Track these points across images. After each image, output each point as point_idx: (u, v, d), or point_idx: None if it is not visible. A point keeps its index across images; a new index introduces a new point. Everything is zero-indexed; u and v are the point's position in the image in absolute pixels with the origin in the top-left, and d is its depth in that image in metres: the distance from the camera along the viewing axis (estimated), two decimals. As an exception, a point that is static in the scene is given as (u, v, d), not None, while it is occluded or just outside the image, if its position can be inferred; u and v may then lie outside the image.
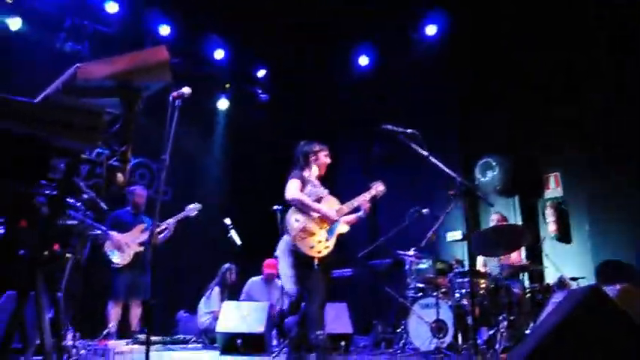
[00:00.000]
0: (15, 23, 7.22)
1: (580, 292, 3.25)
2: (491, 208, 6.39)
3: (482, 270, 6.23)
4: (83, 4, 7.83)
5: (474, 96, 8.21)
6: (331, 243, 4.35)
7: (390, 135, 4.33)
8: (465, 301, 5.83)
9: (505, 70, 7.76)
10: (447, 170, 4.24)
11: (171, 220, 6.54)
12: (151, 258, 4.86)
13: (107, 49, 7.31)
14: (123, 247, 6.35)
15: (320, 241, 4.27)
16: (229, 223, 7.17)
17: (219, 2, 8.32)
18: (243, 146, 9.70)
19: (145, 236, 6.44)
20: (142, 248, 6.38)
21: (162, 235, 6.46)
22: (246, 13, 8.28)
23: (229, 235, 7.14)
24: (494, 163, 7.56)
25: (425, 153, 4.26)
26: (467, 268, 6.26)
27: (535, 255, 6.79)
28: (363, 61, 9.39)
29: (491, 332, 5.48)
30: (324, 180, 4.61)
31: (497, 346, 5.28)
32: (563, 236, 7.16)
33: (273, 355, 5.53)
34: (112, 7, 7.92)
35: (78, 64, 1.89)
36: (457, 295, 5.96)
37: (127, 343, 5.95)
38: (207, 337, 6.81)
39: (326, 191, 4.52)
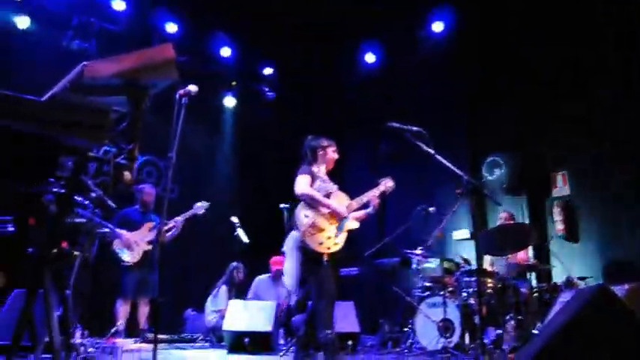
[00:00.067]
0: (23, 22, 7.26)
1: (588, 291, 3.23)
2: (499, 207, 6.37)
3: (490, 269, 6.20)
4: (90, 2, 7.85)
5: (482, 92, 8.19)
6: (340, 239, 4.33)
7: (397, 133, 4.32)
8: (472, 301, 5.81)
9: (513, 67, 7.73)
10: (454, 168, 4.22)
11: (179, 218, 6.55)
12: (159, 256, 4.87)
13: (114, 47, 7.31)
14: (132, 246, 6.37)
15: (329, 237, 4.25)
16: (236, 222, 7.19)
17: (226, 0, 8.32)
18: (249, 144, 9.71)
19: (153, 234, 6.44)
20: (150, 247, 6.39)
21: (169, 233, 6.48)
22: (253, 11, 8.28)
23: (236, 233, 7.15)
24: (501, 161, 7.53)
25: (431, 151, 4.25)
26: (474, 267, 6.23)
27: (542, 254, 6.76)
28: (370, 58, 9.36)
29: (499, 332, 5.45)
30: (331, 176, 4.60)
31: (504, 345, 5.26)
32: (571, 235, 7.12)
33: (281, 353, 5.53)
34: (119, 5, 7.95)
35: (85, 62, 1.89)
36: (464, 294, 5.94)
37: (135, 341, 5.97)
38: (215, 336, 6.82)
39: (335, 187, 4.50)
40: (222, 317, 6.49)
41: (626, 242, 6.47)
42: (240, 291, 7.30)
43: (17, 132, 1.84)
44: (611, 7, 6.70)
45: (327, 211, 4.29)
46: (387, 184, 4.62)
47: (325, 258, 4.19)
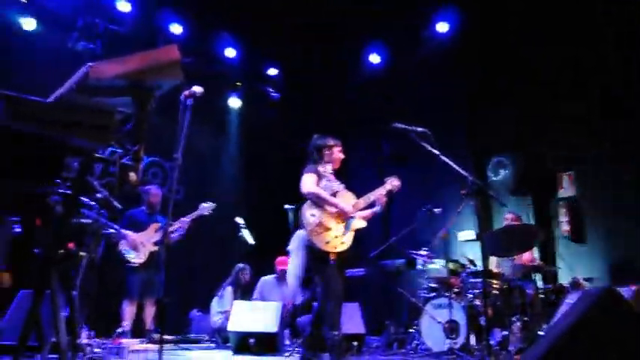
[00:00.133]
0: (29, 23, 7.29)
1: (594, 293, 3.22)
2: (505, 208, 6.35)
3: (495, 270, 6.19)
4: (96, 3, 7.87)
5: (482, 92, 8.18)
6: (347, 239, 4.31)
7: (401, 133, 4.32)
8: (477, 302, 5.79)
9: (513, 67, 7.72)
10: (459, 169, 4.22)
11: (185, 219, 6.56)
12: (165, 257, 4.88)
13: (119, 49, 7.34)
14: (138, 247, 6.38)
15: (337, 236, 4.24)
16: (241, 222, 7.19)
17: (231, 1, 8.33)
18: (255, 145, 9.72)
19: (159, 235, 6.46)
20: (156, 247, 6.41)
21: (175, 234, 6.48)
22: (257, 12, 8.28)
23: (240, 234, 7.16)
24: (506, 162, 7.51)
25: (436, 152, 4.24)
26: (479, 268, 6.22)
27: (548, 255, 6.74)
28: (374, 59, 9.35)
29: (505, 333, 5.44)
30: (336, 176, 4.59)
31: (510, 347, 5.24)
32: (577, 236, 7.09)
33: (286, 354, 5.53)
34: (124, 6, 7.96)
35: (90, 64, 1.90)
36: (470, 295, 5.93)
37: (141, 342, 5.98)
38: (220, 337, 6.83)
39: (342, 186, 4.49)
40: (228, 318, 6.49)
41: (633, 243, 6.44)
42: (245, 292, 7.30)
43: (23, 133, 1.84)
44: (611, 7, 6.70)
45: (333, 210, 4.28)
46: (393, 182, 4.62)
47: (332, 257, 4.18)
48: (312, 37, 8.79)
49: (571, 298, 4.91)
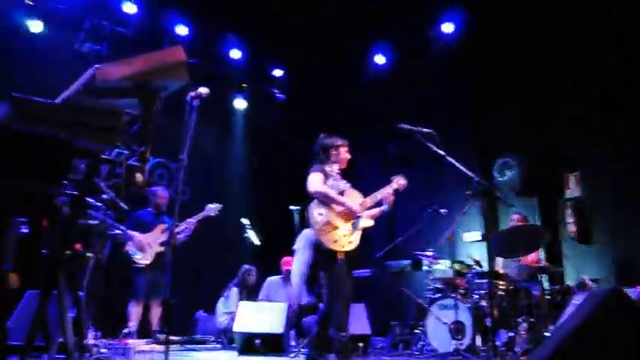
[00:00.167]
0: (36, 26, 7.34)
1: (601, 294, 3.21)
2: (512, 208, 6.34)
3: (501, 271, 6.17)
4: (102, 5, 7.91)
5: (484, 93, 8.17)
6: (355, 238, 4.31)
7: (407, 134, 4.31)
8: (483, 303, 5.78)
9: (513, 67, 7.72)
10: (465, 170, 4.21)
11: (191, 220, 6.58)
12: (170, 258, 4.89)
13: (125, 50, 7.37)
14: (145, 248, 6.40)
15: (345, 235, 4.23)
16: (247, 223, 7.20)
17: (237, 2, 8.35)
18: (260, 146, 9.73)
19: (165, 236, 6.47)
20: (163, 248, 6.43)
21: (181, 235, 6.50)
22: (262, 13, 8.29)
23: (246, 234, 7.17)
24: (512, 163, 7.49)
25: (442, 152, 4.24)
26: (485, 269, 6.21)
27: (555, 256, 6.71)
28: (379, 59, 9.35)
29: (511, 334, 5.42)
30: (342, 176, 4.59)
31: (516, 348, 5.23)
32: (584, 237, 7.07)
33: (292, 355, 5.53)
34: (130, 8, 8.00)
35: (97, 65, 1.91)
36: (475, 296, 5.91)
37: (147, 342, 5.99)
38: (226, 337, 6.84)
39: (348, 185, 4.48)
40: (233, 319, 6.51)
41: (639, 244, 6.41)
42: (251, 293, 7.31)
43: (30, 134, 1.86)
44: (611, 7, 6.70)
45: (340, 209, 4.27)
46: (399, 181, 4.61)
47: (340, 256, 4.17)
48: (317, 39, 8.79)
49: (577, 299, 4.90)
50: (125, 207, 3.10)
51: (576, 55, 7.05)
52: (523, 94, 7.65)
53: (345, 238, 4.23)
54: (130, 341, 5.67)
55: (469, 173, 4.22)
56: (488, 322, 5.48)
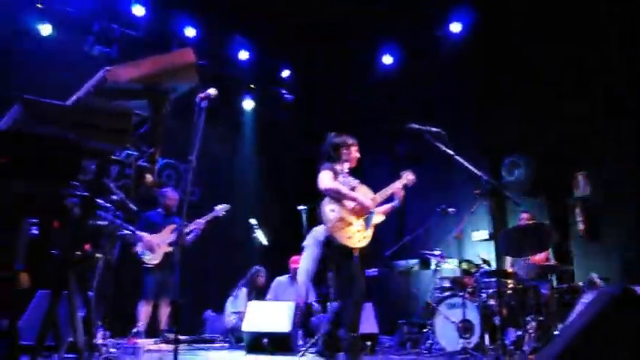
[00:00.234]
0: (46, 29, 7.40)
1: (610, 292, 3.20)
2: (520, 207, 6.32)
3: (510, 270, 6.16)
4: (111, 8, 7.96)
5: (488, 92, 8.15)
6: (368, 234, 4.31)
7: (416, 134, 4.31)
8: (491, 302, 5.77)
9: (516, 67, 7.69)
10: (473, 169, 4.21)
11: (200, 221, 6.61)
12: (179, 258, 4.92)
13: (135, 52, 7.41)
14: (154, 248, 6.44)
15: (359, 231, 4.23)
16: (255, 223, 7.22)
17: (244, 3, 8.37)
18: (268, 146, 9.76)
19: (174, 237, 6.50)
20: (171, 248, 6.47)
21: (190, 235, 6.53)
22: (270, 14, 8.31)
23: (254, 234, 7.18)
24: (520, 162, 7.46)
25: (451, 152, 4.23)
26: (493, 267, 6.19)
27: (563, 255, 6.69)
28: (387, 60, 9.33)
29: (519, 333, 5.41)
30: (352, 175, 4.59)
31: (525, 346, 5.21)
32: (592, 236, 7.04)
33: (300, 354, 5.54)
34: (138, 11, 8.04)
35: (107, 67, 1.93)
36: (484, 295, 5.90)
37: (156, 342, 6.03)
38: (234, 337, 6.85)
39: (357, 181, 4.49)
40: (242, 319, 6.52)
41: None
42: (260, 294, 7.32)
43: (41, 135, 1.87)
44: (614, 7, 6.67)
45: (352, 205, 4.27)
46: (408, 177, 4.63)
47: (356, 253, 4.16)
48: (324, 39, 8.80)
49: (586, 298, 4.88)
50: (134, 208, 3.12)
51: (579, 54, 7.02)
52: (526, 93, 7.63)
53: (359, 234, 4.23)
54: (139, 341, 5.71)
55: (478, 172, 4.21)
56: (496, 320, 5.46)
